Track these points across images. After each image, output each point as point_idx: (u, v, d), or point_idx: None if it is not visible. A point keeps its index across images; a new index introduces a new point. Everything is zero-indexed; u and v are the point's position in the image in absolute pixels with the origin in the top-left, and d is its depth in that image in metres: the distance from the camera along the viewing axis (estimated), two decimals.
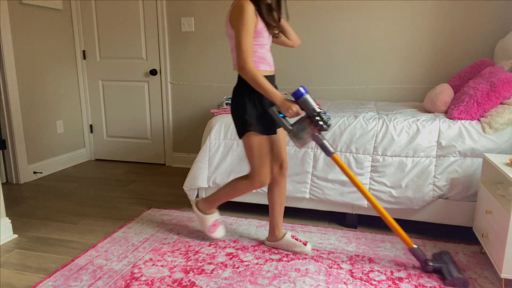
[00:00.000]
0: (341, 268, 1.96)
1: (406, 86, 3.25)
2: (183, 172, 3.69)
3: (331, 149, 1.81)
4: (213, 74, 3.65)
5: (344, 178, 2.31)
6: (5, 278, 1.89)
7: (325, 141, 1.81)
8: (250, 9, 1.71)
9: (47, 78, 3.57)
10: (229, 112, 2.65)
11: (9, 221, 2.32)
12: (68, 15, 3.78)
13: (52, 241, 2.28)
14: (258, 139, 1.86)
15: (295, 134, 1.78)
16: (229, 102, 2.77)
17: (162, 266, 1.97)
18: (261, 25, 1.79)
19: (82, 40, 3.89)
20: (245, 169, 2.48)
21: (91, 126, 4.09)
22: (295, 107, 1.72)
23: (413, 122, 2.27)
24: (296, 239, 2.11)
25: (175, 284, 1.81)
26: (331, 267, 1.96)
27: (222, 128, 2.53)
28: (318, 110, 1.72)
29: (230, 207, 2.77)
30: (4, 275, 1.92)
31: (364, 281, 1.84)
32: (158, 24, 3.65)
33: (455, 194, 2.19)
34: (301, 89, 1.73)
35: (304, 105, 1.74)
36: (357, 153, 2.31)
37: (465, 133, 2.17)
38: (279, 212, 2.12)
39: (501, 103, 2.25)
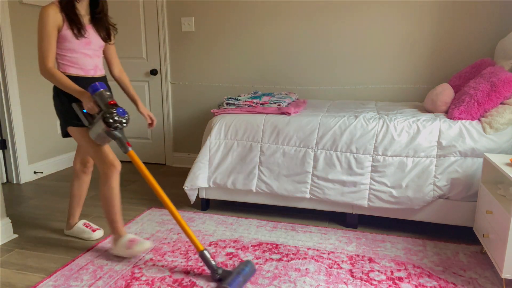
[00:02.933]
0: (341, 268, 1.96)
1: (406, 86, 3.25)
2: (184, 172, 3.69)
3: (128, 147, 1.85)
4: (213, 74, 3.65)
5: (345, 178, 2.31)
6: (5, 278, 1.89)
7: (120, 137, 1.83)
8: (51, 13, 1.84)
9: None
10: (229, 111, 2.65)
11: (10, 221, 2.32)
12: None
13: (53, 241, 2.28)
14: (78, 131, 1.98)
15: (93, 129, 1.86)
16: (230, 102, 2.77)
17: (162, 266, 1.97)
18: (65, 29, 1.89)
19: None
20: (245, 169, 2.48)
21: None
22: (91, 103, 1.80)
23: (413, 122, 2.26)
24: (87, 226, 2.29)
25: (176, 284, 1.81)
26: (331, 267, 1.96)
27: (223, 128, 2.53)
28: (109, 107, 1.77)
29: (230, 207, 2.77)
30: (5, 275, 1.92)
31: (364, 281, 1.84)
32: (158, 24, 3.65)
33: (456, 194, 2.19)
34: (97, 84, 1.80)
35: (98, 101, 1.80)
36: (358, 153, 2.31)
37: (466, 133, 2.17)
38: (78, 203, 2.29)
39: (501, 103, 2.25)
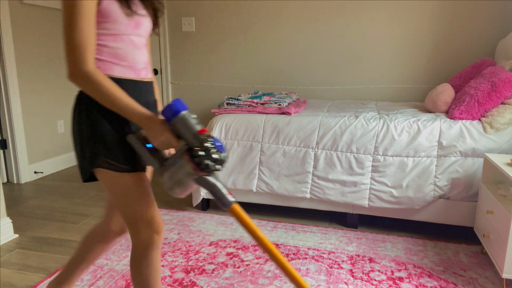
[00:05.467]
0: (341, 268, 1.96)
1: (407, 86, 3.25)
2: None
3: (230, 198, 1.11)
4: (214, 74, 3.65)
5: (345, 178, 2.31)
6: (5, 277, 1.89)
7: (219, 186, 1.10)
8: None
9: (48, 78, 3.57)
10: (230, 111, 2.65)
11: (10, 220, 2.32)
12: None
13: (53, 240, 2.28)
14: (115, 180, 1.18)
15: (169, 175, 1.12)
16: (230, 102, 2.77)
17: (162, 266, 1.97)
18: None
19: None
20: (246, 169, 2.48)
21: None
22: (167, 134, 1.07)
23: (414, 122, 2.26)
24: None
25: (176, 284, 1.81)
26: (331, 267, 1.96)
27: (223, 128, 2.53)
28: (202, 138, 1.07)
29: None
30: (5, 274, 1.92)
31: (365, 281, 1.84)
32: (158, 24, 3.65)
33: (456, 194, 2.19)
34: (177, 102, 1.09)
35: (181, 130, 1.08)
36: (358, 153, 2.30)
37: (466, 133, 2.17)
38: (85, 268, 1.45)
39: (502, 103, 2.24)
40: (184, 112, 1.08)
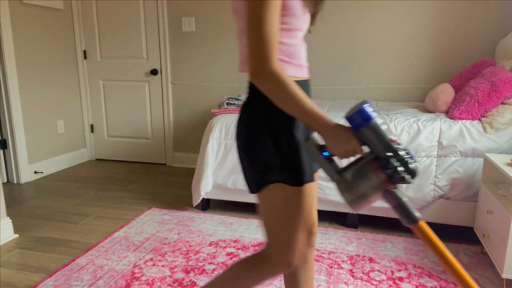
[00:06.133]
0: (341, 268, 1.96)
1: (407, 86, 3.25)
2: (184, 172, 3.69)
3: (417, 214, 0.99)
4: (214, 74, 3.65)
5: None
6: (6, 277, 1.89)
7: (406, 201, 0.99)
8: None
9: (48, 78, 3.57)
10: (230, 112, 2.65)
11: (10, 220, 2.32)
12: (69, 15, 3.79)
13: (53, 240, 2.28)
14: (289, 194, 1.06)
15: (351, 187, 1.02)
16: (230, 102, 2.77)
17: (162, 266, 1.97)
18: None
19: (83, 40, 3.89)
20: None
21: (91, 126, 4.09)
22: (354, 142, 0.96)
23: (414, 122, 2.26)
24: None
25: (176, 284, 1.81)
26: (331, 267, 1.96)
27: (223, 128, 2.53)
28: (396, 147, 0.97)
29: (231, 207, 2.77)
30: (5, 274, 1.92)
31: (365, 281, 1.84)
32: (158, 23, 3.65)
33: (456, 194, 2.19)
34: (367, 108, 0.97)
35: (372, 138, 0.97)
36: None
37: (466, 133, 2.17)
38: None
39: (502, 103, 2.24)
40: (374, 119, 0.96)
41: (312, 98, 3.48)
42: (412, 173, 0.95)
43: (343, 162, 2.06)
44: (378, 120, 0.97)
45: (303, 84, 1.09)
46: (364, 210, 2.36)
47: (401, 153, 0.95)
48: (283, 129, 1.03)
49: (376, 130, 0.96)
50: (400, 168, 0.94)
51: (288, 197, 1.05)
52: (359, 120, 0.96)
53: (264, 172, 1.05)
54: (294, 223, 1.08)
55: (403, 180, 0.95)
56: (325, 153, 1.03)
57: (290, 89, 0.93)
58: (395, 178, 0.95)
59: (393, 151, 0.95)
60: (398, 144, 0.97)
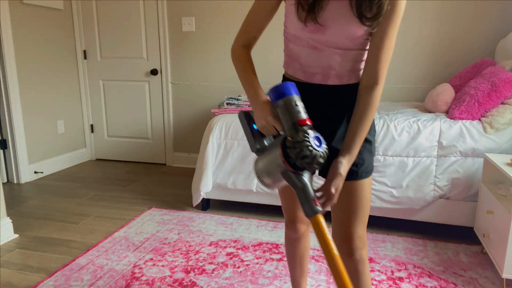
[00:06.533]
0: None
1: (407, 86, 3.25)
2: (184, 172, 3.69)
3: (315, 207, 0.92)
4: (213, 74, 3.65)
5: None
6: (5, 277, 1.89)
7: (306, 189, 0.93)
8: None
9: (48, 78, 3.57)
10: (230, 111, 2.65)
11: (10, 221, 2.32)
12: (69, 15, 3.79)
13: (53, 240, 2.28)
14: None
15: (260, 160, 1.02)
16: (230, 102, 2.77)
17: (162, 266, 1.97)
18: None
19: (83, 40, 3.89)
20: (246, 169, 2.48)
21: (91, 126, 4.09)
22: (269, 118, 1.00)
23: (414, 122, 2.26)
24: None
25: (176, 284, 1.81)
26: None
27: (223, 128, 2.53)
28: (300, 128, 0.93)
29: (231, 207, 2.77)
30: (5, 274, 1.92)
31: None
32: (158, 24, 3.65)
33: (456, 194, 2.19)
34: (286, 86, 0.97)
35: (281, 116, 0.97)
36: None
37: (466, 133, 2.17)
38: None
39: (502, 103, 2.24)
40: (290, 97, 0.95)
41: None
42: (307, 158, 0.89)
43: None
44: (293, 98, 0.95)
45: (304, 86, 1.14)
46: None
47: (299, 135, 0.90)
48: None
49: (286, 107, 0.95)
50: (296, 151, 0.89)
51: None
52: (274, 94, 0.97)
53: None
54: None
55: (297, 165, 0.91)
56: (254, 126, 1.07)
57: (239, 67, 1.13)
58: (294, 160, 0.90)
59: (294, 132, 0.92)
60: (310, 127, 0.94)
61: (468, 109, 2.24)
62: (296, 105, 0.95)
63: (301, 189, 0.93)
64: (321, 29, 1.04)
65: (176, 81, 3.76)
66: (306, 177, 0.94)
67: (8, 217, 2.34)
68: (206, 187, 2.53)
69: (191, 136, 3.84)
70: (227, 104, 2.78)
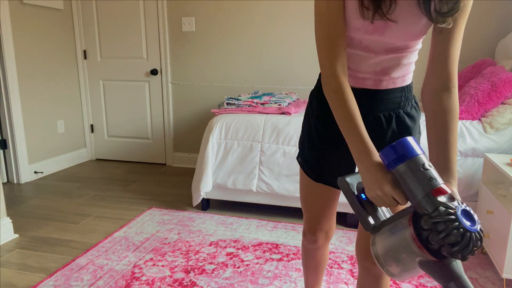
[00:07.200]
0: (341, 268, 1.96)
1: None
2: (184, 172, 3.69)
3: None
4: (213, 74, 3.65)
5: None
6: (5, 277, 1.89)
7: (463, 279, 0.68)
8: None
9: (48, 78, 3.57)
10: (230, 111, 2.65)
11: (10, 220, 2.32)
12: (69, 15, 3.79)
13: (53, 240, 2.28)
14: (304, 178, 1.18)
15: (381, 244, 0.78)
16: (230, 102, 2.77)
17: (162, 266, 1.97)
18: None
19: (83, 40, 3.89)
20: (246, 169, 2.48)
21: (91, 126, 4.09)
22: (387, 188, 0.76)
23: None
24: None
25: (176, 284, 1.81)
26: (331, 267, 1.96)
27: (223, 128, 2.53)
28: (437, 201, 0.69)
29: (231, 207, 2.77)
30: (5, 274, 1.92)
31: None
32: (158, 24, 3.65)
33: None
34: (408, 143, 0.74)
35: (406, 184, 0.73)
36: None
37: (466, 133, 2.17)
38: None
39: (502, 103, 2.24)
40: (415, 158, 0.72)
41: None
42: (457, 244, 0.64)
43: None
44: (420, 159, 0.71)
45: (355, 92, 1.00)
46: None
47: (442, 212, 0.66)
48: (314, 117, 1.10)
49: (413, 173, 0.71)
50: (438, 235, 0.65)
51: (302, 181, 1.19)
52: (392, 156, 0.73)
53: (299, 147, 1.19)
54: (308, 204, 1.21)
55: (441, 254, 0.67)
56: (362, 195, 0.82)
57: (338, 108, 0.90)
58: (431, 247, 0.67)
59: (432, 207, 0.68)
60: (449, 197, 0.69)
61: (468, 109, 2.24)
62: (426, 168, 0.71)
63: (462, 283, 0.67)
64: (380, 30, 0.93)
65: (176, 81, 3.76)
66: (457, 266, 0.68)
67: (8, 217, 2.34)
68: (206, 187, 2.53)
69: (191, 136, 3.84)
70: (227, 104, 2.78)
